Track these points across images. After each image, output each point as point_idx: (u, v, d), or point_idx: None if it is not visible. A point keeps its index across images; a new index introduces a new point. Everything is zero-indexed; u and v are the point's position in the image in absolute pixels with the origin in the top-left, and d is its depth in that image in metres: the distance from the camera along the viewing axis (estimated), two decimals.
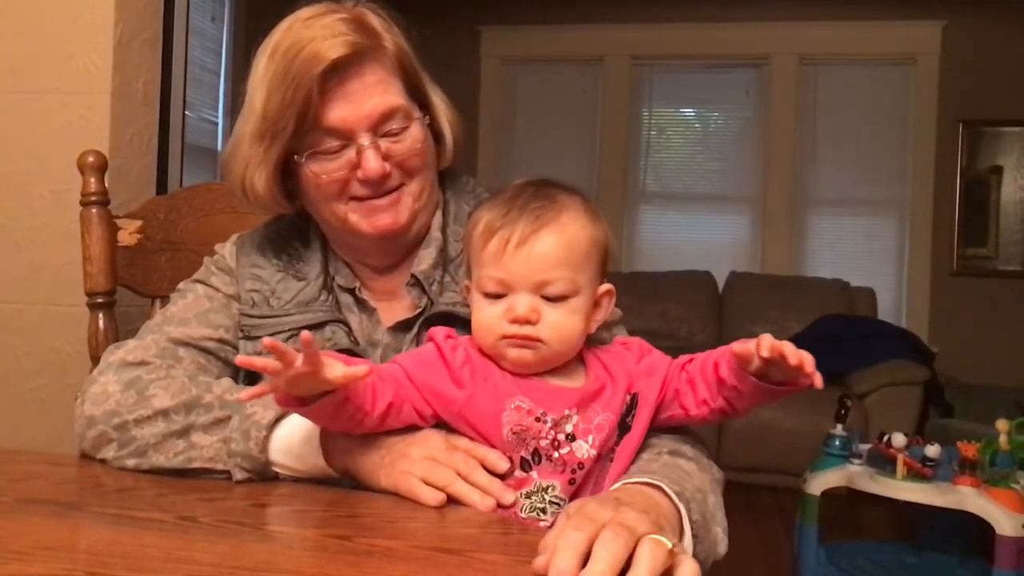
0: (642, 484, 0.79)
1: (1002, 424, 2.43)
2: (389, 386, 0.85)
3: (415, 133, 0.99)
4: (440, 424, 0.88)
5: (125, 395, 0.95)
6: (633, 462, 0.88)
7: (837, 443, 2.60)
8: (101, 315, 1.37)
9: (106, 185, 1.38)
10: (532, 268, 0.84)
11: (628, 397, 0.88)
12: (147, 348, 1.01)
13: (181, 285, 1.10)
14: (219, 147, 4.12)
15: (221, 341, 1.04)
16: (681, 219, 5.47)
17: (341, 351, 0.92)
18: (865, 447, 2.59)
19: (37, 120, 1.68)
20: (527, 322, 0.83)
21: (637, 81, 5.45)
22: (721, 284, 4.88)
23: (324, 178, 0.97)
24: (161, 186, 1.86)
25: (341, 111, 0.95)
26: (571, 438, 0.84)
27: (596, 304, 0.89)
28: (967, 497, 2.29)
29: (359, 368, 0.77)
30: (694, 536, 0.78)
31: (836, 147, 5.18)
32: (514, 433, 0.83)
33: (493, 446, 0.84)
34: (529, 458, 0.84)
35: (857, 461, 2.54)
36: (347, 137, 0.96)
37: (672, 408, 0.90)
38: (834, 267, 4.99)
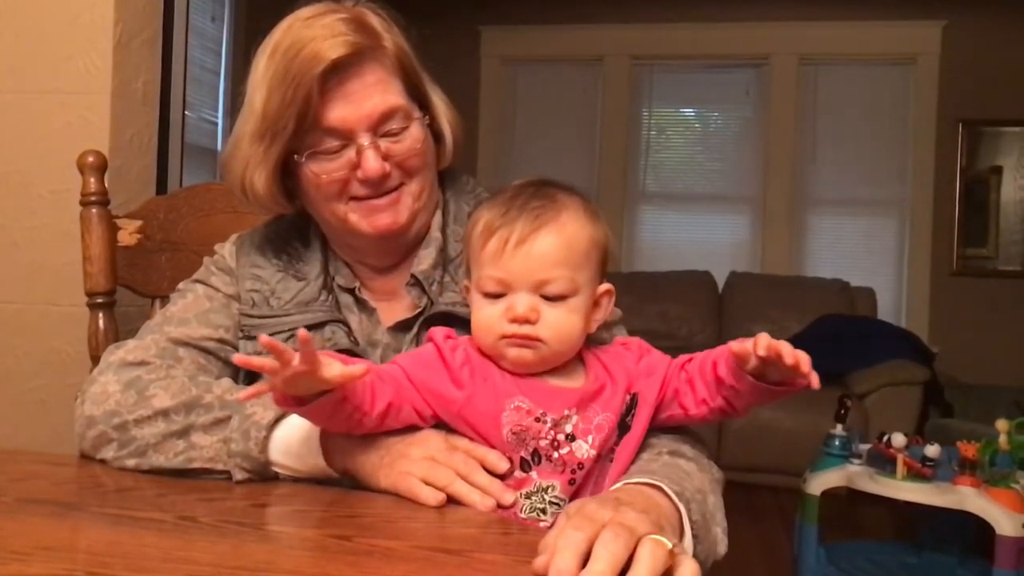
0: (642, 484, 0.78)
1: (1002, 424, 2.43)
2: (388, 386, 0.85)
3: (415, 133, 0.99)
4: (440, 424, 0.88)
5: (125, 395, 0.95)
6: (633, 462, 0.88)
7: (837, 443, 2.60)
8: (101, 315, 1.37)
9: (106, 185, 1.38)
10: (531, 267, 0.84)
11: (628, 397, 0.88)
12: (147, 348, 1.01)
13: (181, 285, 1.10)
14: (219, 147, 4.12)
15: (221, 341, 1.04)
16: (681, 219, 5.47)
17: (341, 351, 0.92)
18: (865, 447, 2.59)
19: (37, 120, 1.68)
20: (526, 321, 0.83)
21: (637, 81, 5.45)
22: (721, 284, 4.88)
23: (324, 178, 0.97)
24: (161, 186, 1.86)
25: (341, 111, 0.95)
26: (571, 438, 0.84)
27: (596, 304, 0.89)
28: (967, 497, 2.29)
29: (356, 367, 0.77)
30: (694, 536, 0.78)
31: (836, 147, 5.18)
32: (514, 433, 0.83)
33: (493, 446, 0.84)
34: (529, 458, 0.84)
35: (857, 461, 2.54)
36: (347, 137, 0.96)
37: (672, 408, 0.90)
38: (834, 267, 4.99)
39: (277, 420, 0.89)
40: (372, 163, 0.95)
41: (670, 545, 0.64)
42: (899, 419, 3.65)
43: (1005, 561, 2.22)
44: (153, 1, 1.77)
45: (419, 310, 1.02)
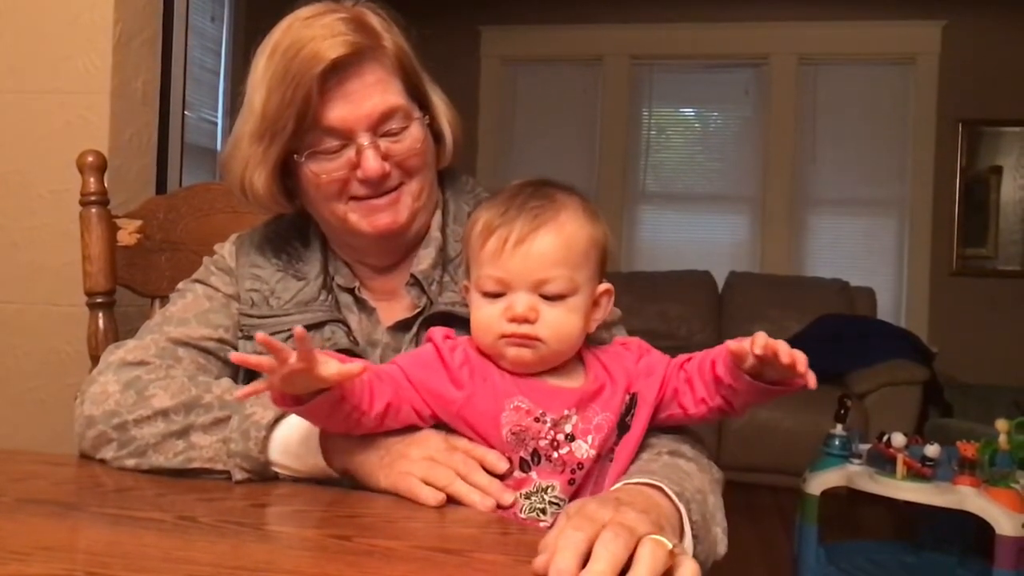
0: (642, 484, 0.78)
1: (1001, 424, 2.43)
2: (387, 386, 0.85)
3: (415, 133, 0.99)
4: (439, 424, 0.88)
5: (125, 395, 0.95)
6: (633, 462, 0.88)
7: (837, 443, 2.60)
8: (101, 315, 1.37)
9: (105, 185, 1.38)
10: (531, 267, 0.84)
11: (627, 397, 0.88)
12: (147, 348, 1.01)
13: (180, 285, 1.10)
14: (219, 147, 4.12)
15: (221, 341, 1.04)
16: (681, 219, 5.47)
17: (340, 351, 0.92)
18: (865, 447, 2.59)
19: (37, 120, 1.68)
20: (526, 321, 0.83)
21: (637, 81, 5.45)
22: (721, 284, 4.88)
23: (324, 178, 0.97)
24: (160, 186, 1.86)
25: (341, 111, 0.95)
26: (570, 438, 0.84)
27: (595, 303, 0.89)
28: (967, 497, 2.29)
29: (353, 365, 0.76)
30: (694, 536, 0.78)
31: (836, 147, 5.18)
32: (513, 433, 0.83)
33: (492, 446, 0.84)
34: (528, 458, 0.84)
35: (857, 461, 2.54)
36: (347, 137, 0.96)
37: (671, 407, 0.90)
38: (834, 267, 4.99)
39: (277, 420, 0.89)
40: (372, 163, 0.95)
41: (670, 545, 0.64)
42: (899, 419, 3.65)
43: (1005, 561, 2.22)
44: (153, 1, 1.77)
45: (419, 310, 1.02)
